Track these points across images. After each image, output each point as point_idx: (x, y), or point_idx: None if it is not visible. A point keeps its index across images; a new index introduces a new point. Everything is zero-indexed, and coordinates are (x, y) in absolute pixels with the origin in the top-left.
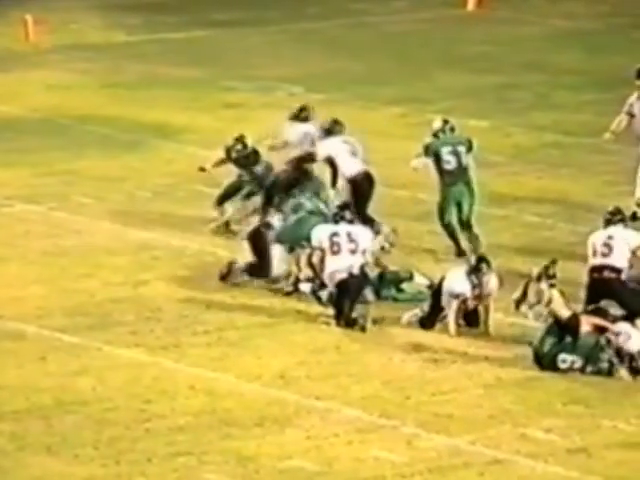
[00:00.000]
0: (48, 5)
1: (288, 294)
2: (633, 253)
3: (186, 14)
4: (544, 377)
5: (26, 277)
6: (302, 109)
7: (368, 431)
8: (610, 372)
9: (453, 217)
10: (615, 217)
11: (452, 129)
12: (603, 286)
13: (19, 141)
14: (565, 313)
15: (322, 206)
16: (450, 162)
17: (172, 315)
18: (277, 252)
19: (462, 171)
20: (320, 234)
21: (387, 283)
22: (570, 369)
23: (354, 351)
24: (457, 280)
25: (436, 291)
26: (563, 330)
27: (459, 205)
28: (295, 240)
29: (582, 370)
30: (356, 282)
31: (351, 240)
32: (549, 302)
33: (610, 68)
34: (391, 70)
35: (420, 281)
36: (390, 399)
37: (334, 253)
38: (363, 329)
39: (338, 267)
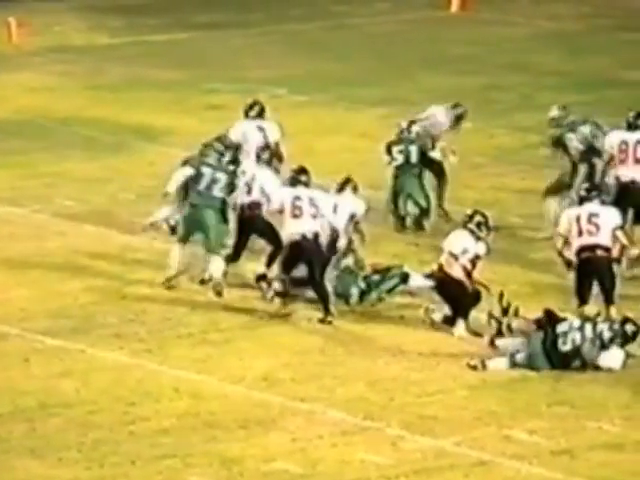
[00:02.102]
0: (31, 7)
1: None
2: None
3: (169, 16)
4: (529, 379)
5: (9, 280)
6: (251, 105)
7: (353, 433)
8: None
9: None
10: (591, 193)
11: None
12: (594, 265)
13: (2, 143)
14: (532, 326)
15: None
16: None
17: (156, 317)
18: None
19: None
20: (282, 196)
21: (374, 287)
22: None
23: (338, 353)
24: (461, 238)
25: (441, 284)
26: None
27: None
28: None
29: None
30: (308, 246)
31: (313, 205)
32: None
33: (594, 69)
34: (375, 71)
35: (420, 283)
36: (375, 401)
37: (295, 216)
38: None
39: (296, 229)
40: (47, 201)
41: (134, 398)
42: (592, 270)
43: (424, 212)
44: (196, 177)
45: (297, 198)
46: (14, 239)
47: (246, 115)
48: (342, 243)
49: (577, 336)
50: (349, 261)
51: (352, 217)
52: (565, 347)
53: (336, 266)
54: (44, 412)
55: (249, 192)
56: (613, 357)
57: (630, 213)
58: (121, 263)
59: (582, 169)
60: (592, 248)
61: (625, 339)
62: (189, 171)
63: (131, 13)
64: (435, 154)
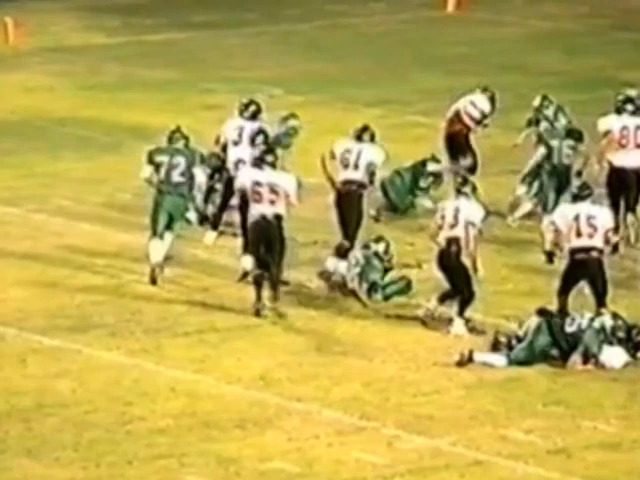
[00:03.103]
0: (28, 8)
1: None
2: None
3: (165, 16)
4: (525, 378)
5: (6, 279)
6: (247, 104)
7: (349, 433)
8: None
9: None
10: (583, 192)
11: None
12: (589, 267)
13: None
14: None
15: None
16: None
17: (152, 317)
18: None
19: None
20: (244, 179)
21: (380, 289)
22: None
23: (334, 353)
24: (477, 209)
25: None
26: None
27: None
28: None
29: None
30: (266, 227)
31: (272, 191)
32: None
33: (589, 69)
34: (371, 72)
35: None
36: (371, 401)
37: (255, 201)
38: (257, 313)
39: (257, 212)
40: (43, 201)
41: (130, 398)
42: (585, 272)
43: None
44: (157, 166)
45: (257, 183)
46: (10, 239)
47: (241, 114)
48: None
49: (584, 322)
50: (379, 248)
51: (369, 166)
52: (571, 328)
53: (366, 252)
54: (40, 412)
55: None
56: (616, 355)
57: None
58: (117, 263)
59: (540, 150)
60: (588, 250)
61: (635, 347)
62: (147, 170)
63: (127, 13)
64: None
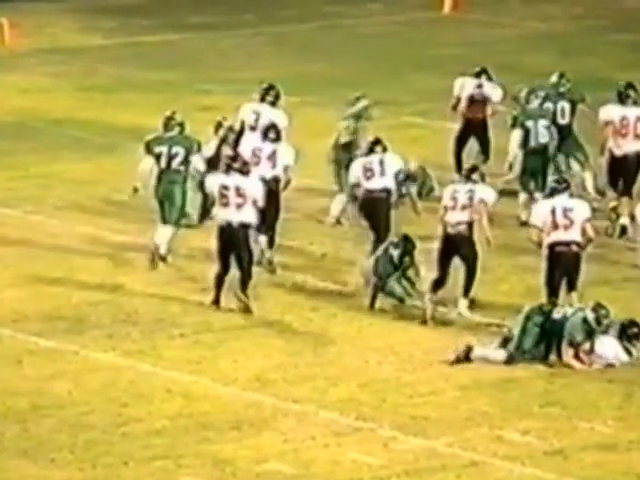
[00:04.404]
0: (23, 9)
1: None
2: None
3: (161, 17)
4: (521, 379)
5: (2, 281)
6: (268, 88)
7: (345, 434)
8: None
9: None
10: (561, 185)
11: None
12: (566, 260)
13: None
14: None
15: None
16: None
17: (148, 318)
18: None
19: None
20: (211, 184)
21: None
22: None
23: (330, 354)
24: (490, 190)
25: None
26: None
27: None
28: None
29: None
30: (233, 234)
31: (239, 195)
32: None
33: (584, 70)
34: (366, 72)
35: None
36: (367, 402)
37: (223, 205)
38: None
39: (224, 217)
40: (39, 202)
41: (127, 399)
42: (563, 264)
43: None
44: (157, 157)
45: (224, 187)
46: (6, 240)
47: (262, 99)
48: (394, 198)
49: (569, 311)
50: (395, 253)
51: (398, 174)
52: (557, 315)
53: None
54: (37, 413)
55: (273, 167)
56: (609, 345)
57: (620, 184)
58: (114, 264)
59: (516, 133)
60: (566, 244)
61: (629, 339)
62: (149, 161)
63: (123, 14)
64: None
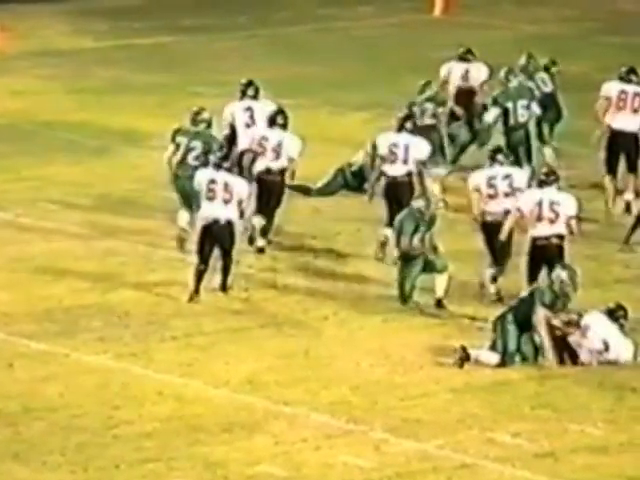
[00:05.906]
0: (16, 11)
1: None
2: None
3: (154, 20)
4: (512, 381)
5: None
6: (248, 84)
7: (336, 436)
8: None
9: None
10: (550, 178)
11: None
12: (548, 253)
13: None
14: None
15: None
16: None
17: (140, 321)
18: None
19: None
20: (200, 178)
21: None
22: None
23: (322, 356)
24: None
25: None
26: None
27: None
28: None
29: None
30: (219, 232)
31: (227, 190)
32: None
33: (578, 72)
34: (359, 75)
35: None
36: (358, 404)
37: (209, 199)
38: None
39: (210, 213)
40: (31, 205)
41: (118, 402)
42: (545, 256)
43: None
44: (177, 146)
45: (212, 181)
46: None
47: (243, 95)
48: (417, 190)
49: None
50: (418, 205)
51: (419, 162)
52: (524, 293)
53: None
54: (28, 416)
55: (277, 157)
56: (598, 318)
57: (622, 160)
58: (105, 267)
59: (494, 111)
60: (549, 237)
61: (616, 320)
62: (170, 149)
63: (116, 16)
64: None
